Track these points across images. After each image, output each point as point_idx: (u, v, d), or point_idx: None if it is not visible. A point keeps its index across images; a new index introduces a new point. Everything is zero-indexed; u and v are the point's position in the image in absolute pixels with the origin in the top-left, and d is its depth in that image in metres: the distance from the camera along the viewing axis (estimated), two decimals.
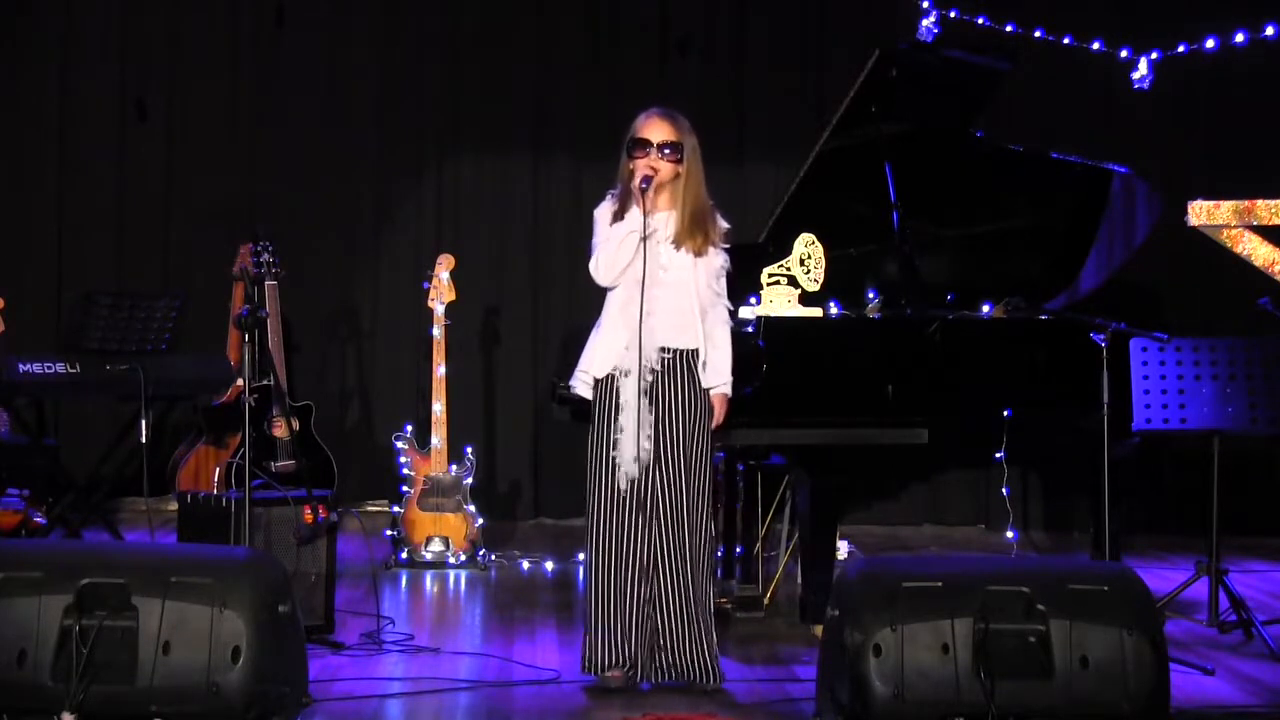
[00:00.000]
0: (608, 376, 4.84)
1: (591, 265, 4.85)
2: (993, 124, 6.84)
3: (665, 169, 4.81)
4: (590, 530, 4.84)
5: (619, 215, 4.83)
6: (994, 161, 6.49)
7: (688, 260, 4.84)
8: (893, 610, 3.96)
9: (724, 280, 4.95)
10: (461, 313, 7.61)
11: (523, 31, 8.74)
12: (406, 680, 4.97)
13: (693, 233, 4.83)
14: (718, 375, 4.90)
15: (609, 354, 4.84)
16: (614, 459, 4.79)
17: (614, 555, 4.81)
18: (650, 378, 4.80)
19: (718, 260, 4.91)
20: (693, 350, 4.85)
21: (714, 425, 4.93)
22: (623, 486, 4.78)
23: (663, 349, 4.82)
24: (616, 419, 4.80)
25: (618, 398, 4.81)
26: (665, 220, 4.84)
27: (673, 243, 4.82)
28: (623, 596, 4.80)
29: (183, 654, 3.81)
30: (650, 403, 4.79)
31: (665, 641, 4.82)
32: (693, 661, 4.82)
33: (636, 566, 4.80)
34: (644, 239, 4.78)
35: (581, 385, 4.92)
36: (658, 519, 4.80)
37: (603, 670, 4.83)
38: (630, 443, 4.77)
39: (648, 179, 4.78)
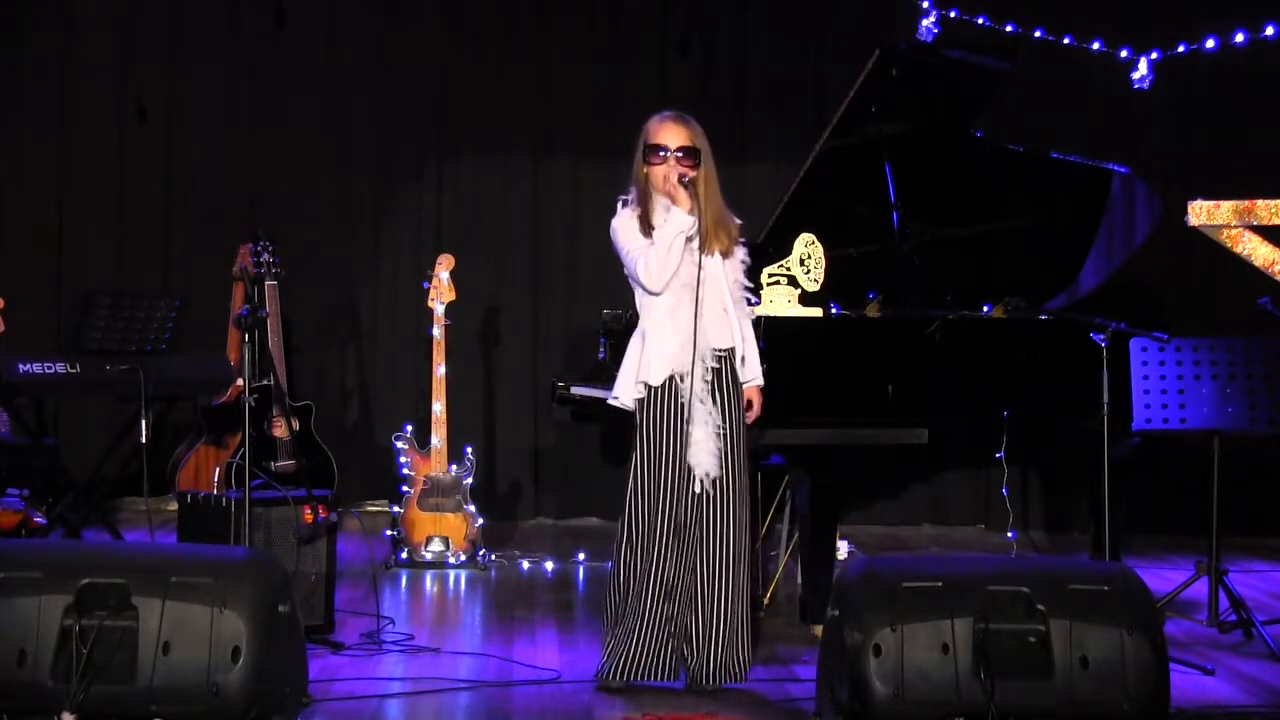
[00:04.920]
0: (663, 383, 4.81)
1: (642, 273, 4.79)
2: (993, 124, 6.84)
3: (685, 172, 4.80)
4: (641, 542, 4.79)
5: (644, 221, 4.82)
6: (994, 161, 6.49)
7: (717, 260, 4.85)
8: (893, 610, 3.96)
9: (744, 275, 4.97)
10: (461, 313, 7.61)
11: (522, 31, 8.74)
12: (406, 680, 4.97)
13: (718, 232, 4.83)
14: (752, 370, 4.92)
15: (663, 360, 4.80)
16: (687, 464, 4.75)
17: (665, 567, 4.78)
18: (710, 378, 4.80)
19: (740, 255, 4.93)
20: (731, 349, 4.87)
21: (753, 419, 4.95)
22: (697, 490, 4.76)
23: (715, 349, 4.83)
24: (679, 424, 4.77)
25: (679, 402, 4.79)
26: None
27: (699, 245, 4.81)
28: (666, 605, 4.79)
29: (183, 654, 3.81)
30: (712, 403, 4.80)
31: (699, 642, 4.81)
32: (722, 662, 4.82)
33: (680, 575, 4.79)
34: (691, 239, 4.76)
35: (630, 396, 4.86)
36: (706, 520, 4.79)
37: (631, 680, 4.81)
38: (707, 443, 4.76)
39: (684, 174, 4.78)
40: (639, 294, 4.91)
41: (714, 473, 4.78)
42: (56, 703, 3.79)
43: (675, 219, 4.77)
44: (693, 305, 4.76)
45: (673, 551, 4.79)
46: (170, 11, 8.70)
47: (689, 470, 4.77)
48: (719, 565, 4.80)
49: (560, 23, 8.75)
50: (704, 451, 4.77)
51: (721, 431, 4.80)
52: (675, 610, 4.80)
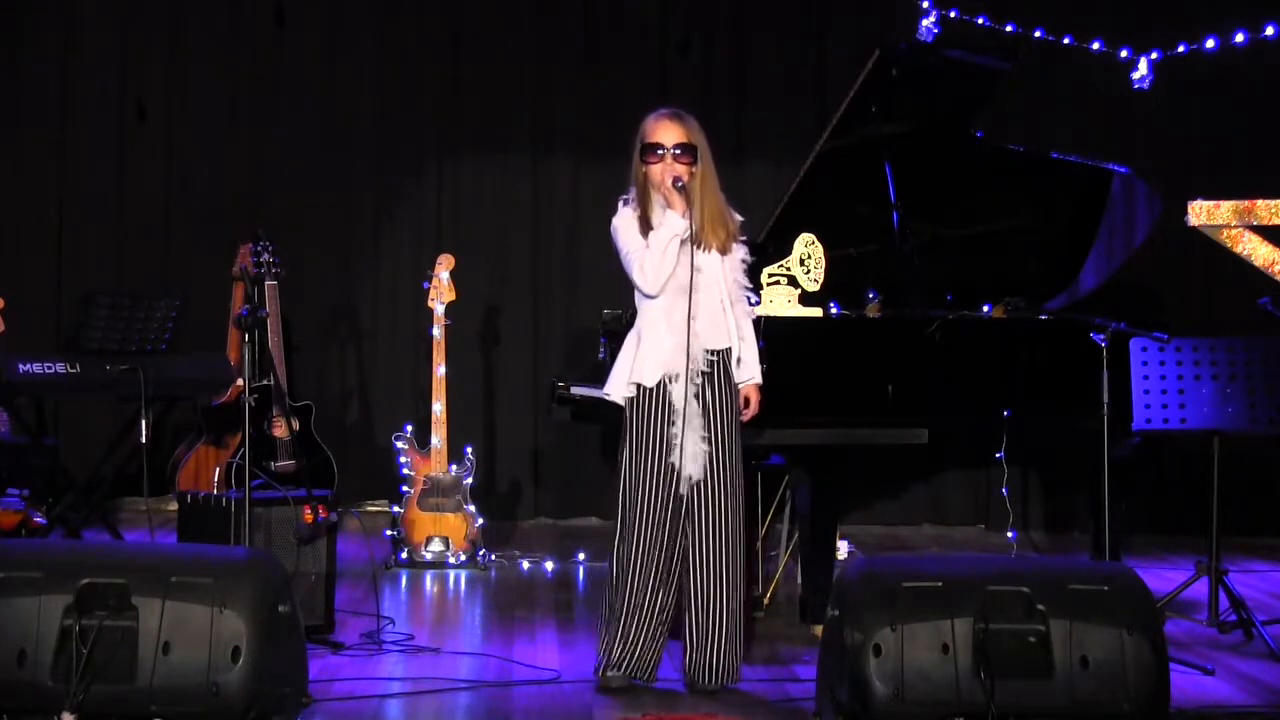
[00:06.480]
0: (658, 384, 4.81)
1: (638, 276, 4.80)
2: (993, 124, 6.83)
3: (680, 172, 4.79)
4: (632, 538, 4.79)
5: (644, 220, 4.82)
6: (994, 161, 6.49)
7: (715, 259, 4.83)
8: (893, 610, 3.96)
9: (744, 274, 4.96)
10: (461, 313, 7.61)
11: (523, 31, 8.74)
12: (406, 680, 4.97)
13: (715, 230, 4.82)
14: (748, 369, 4.91)
15: (659, 361, 4.80)
16: (671, 465, 4.75)
17: (655, 563, 4.78)
18: (700, 380, 4.80)
19: (740, 254, 4.92)
20: (727, 349, 4.86)
21: (749, 417, 4.95)
22: (683, 490, 4.76)
23: (708, 351, 4.82)
24: (669, 425, 4.77)
25: (668, 404, 4.78)
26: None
27: (696, 243, 4.80)
28: (655, 603, 4.79)
29: (183, 654, 3.81)
30: (699, 405, 4.79)
31: (695, 641, 4.81)
32: (720, 662, 4.82)
33: (671, 572, 4.80)
34: (686, 241, 4.75)
35: (621, 393, 4.86)
36: (698, 520, 4.79)
37: (623, 674, 4.82)
38: (690, 446, 4.75)
39: (679, 178, 4.77)
40: (636, 293, 4.90)
41: (697, 477, 4.77)
42: (56, 703, 3.79)
43: (669, 222, 4.77)
44: (686, 308, 4.76)
45: (663, 551, 4.78)
46: (170, 12, 8.70)
47: (675, 471, 4.77)
48: (714, 566, 4.80)
49: (560, 23, 8.75)
50: (689, 456, 4.76)
51: (707, 436, 4.79)
52: (666, 610, 4.80)
